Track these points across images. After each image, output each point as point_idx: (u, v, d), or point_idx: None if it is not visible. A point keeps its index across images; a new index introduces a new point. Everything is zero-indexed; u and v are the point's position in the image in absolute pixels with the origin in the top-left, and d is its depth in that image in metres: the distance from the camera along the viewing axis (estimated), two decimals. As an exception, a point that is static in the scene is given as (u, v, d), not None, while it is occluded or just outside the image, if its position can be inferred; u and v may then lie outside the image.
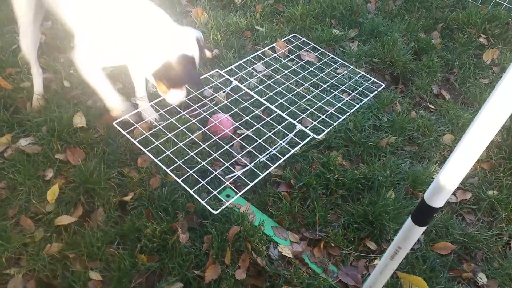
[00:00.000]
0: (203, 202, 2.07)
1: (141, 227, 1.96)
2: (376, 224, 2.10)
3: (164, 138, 2.37)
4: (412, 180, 2.35)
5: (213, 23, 3.13)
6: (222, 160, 2.33)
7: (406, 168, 2.43)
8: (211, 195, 2.14)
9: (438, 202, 1.34)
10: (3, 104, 2.49)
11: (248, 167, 2.31)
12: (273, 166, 2.31)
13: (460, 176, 1.24)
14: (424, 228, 1.53)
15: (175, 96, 2.11)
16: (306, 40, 3.25)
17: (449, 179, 1.26)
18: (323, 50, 3.18)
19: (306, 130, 2.53)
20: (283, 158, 2.35)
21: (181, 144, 2.35)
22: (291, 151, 2.40)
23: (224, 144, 2.40)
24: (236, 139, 2.45)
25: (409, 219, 1.50)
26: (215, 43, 3.02)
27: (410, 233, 1.51)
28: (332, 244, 2.05)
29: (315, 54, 3.15)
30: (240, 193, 2.17)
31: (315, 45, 3.21)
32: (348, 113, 2.69)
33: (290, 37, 3.27)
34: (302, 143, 2.44)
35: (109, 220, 2.02)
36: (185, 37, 2.02)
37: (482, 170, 2.49)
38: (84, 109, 2.48)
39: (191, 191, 2.12)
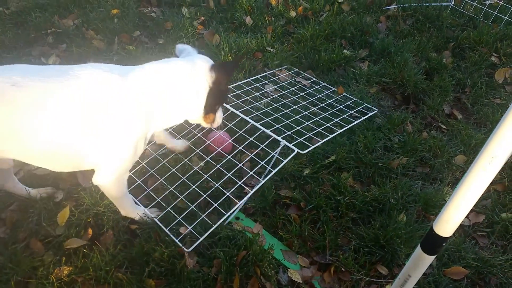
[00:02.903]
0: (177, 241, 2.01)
1: (149, 251, 1.96)
2: (387, 248, 2.07)
3: (161, 163, 2.38)
4: (424, 202, 2.31)
5: (225, 44, 3.16)
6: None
7: (418, 190, 2.40)
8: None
9: (447, 231, 1.32)
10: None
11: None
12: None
13: (469, 206, 1.22)
14: (434, 257, 1.50)
15: (220, 115, 2.08)
16: (299, 71, 3.24)
17: (457, 209, 1.23)
18: (315, 79, 3.17)
19: (290, 145, 2.37)
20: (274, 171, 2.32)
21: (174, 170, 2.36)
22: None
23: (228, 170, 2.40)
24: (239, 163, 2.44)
25: (419, 248, 1.48)
26: (225, 64, 3.05)
27: (420, 262, 1.48)
28: (343, 269, 2.02)
29: (308, 82, 3.14)
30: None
31: (307, 75, 3.20)
32: (334, 134, 2.61)
33: (284, 68, 3.25)
34: (287, 159, 2.30)
35: (118, 243, 2.02)
36: (191, 57, 1.91)
37: (495, 192, 2.44)
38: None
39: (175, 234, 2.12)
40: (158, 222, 2.08)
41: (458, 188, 1.22)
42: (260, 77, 3.08)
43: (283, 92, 3.00)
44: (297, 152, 2.35)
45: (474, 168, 1.14)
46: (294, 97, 2.96)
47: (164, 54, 3.15)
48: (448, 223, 1.29)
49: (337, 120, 2.76)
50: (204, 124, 2.07)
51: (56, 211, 2.11)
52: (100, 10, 3.48)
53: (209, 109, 1.95)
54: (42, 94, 1.56)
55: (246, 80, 3.00)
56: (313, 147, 2.46)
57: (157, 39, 3.31)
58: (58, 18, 3.39)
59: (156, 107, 1.78)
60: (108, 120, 1.66)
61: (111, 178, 1.82)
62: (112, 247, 1.99)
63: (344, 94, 3.02)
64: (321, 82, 3.13)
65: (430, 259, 1.47)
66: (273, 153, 2.34)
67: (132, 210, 2.07)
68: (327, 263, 2.04)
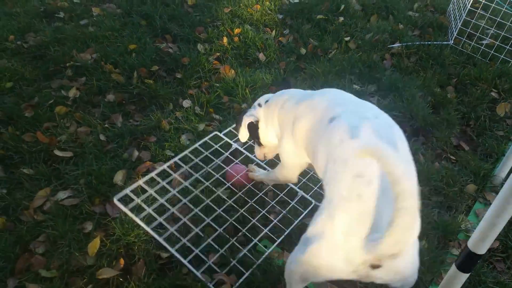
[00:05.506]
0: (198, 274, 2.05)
1: (182, 281, 1.99)
2: (412, 276, 2.13)
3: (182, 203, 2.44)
4: (442, 229, 2.40)
5: (241, 79, 3.28)
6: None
7: (435, 217, 2.49)
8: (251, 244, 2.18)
9: (482, 249, 1.42)
10: (42, 157, 2.59)
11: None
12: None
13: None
14: (468, 274, 1.59)
15: None
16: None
17: (492, 226, 1.34)
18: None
19: (307, 196, 2.52)
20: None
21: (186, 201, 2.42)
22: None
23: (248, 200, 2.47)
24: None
25: (453, 267, 1.57)
26: (243, 97, 3.16)
27: (455, 280, 1.58)
28: (370, 297, 2.07)
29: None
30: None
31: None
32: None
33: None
34: (305, 213, 2.42)
35: (151, 273, 2.05)
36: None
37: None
38: (121, 162, 2.58)
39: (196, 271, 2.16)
40: (187, 264, 2.10)
41: (492, 207, 1.32)
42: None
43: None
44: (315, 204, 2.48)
45: (507, 186, 1.25)
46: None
47: (182, 88, 3.26)
48: (483, 241, 1.40)
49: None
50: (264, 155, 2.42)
51: (86, 242, 2.15)
52: (118, 45, 3.60)
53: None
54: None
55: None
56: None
57: (174, 73, 3.42)
58: (76, 52, 3.49)
59: None
60: None
61: None
62: (145, 277, 2.02)
63: None
64: None
65: (464, 277, 1.57)
66: (292, 203, 2.46)
67: None
68: (356, 290, 2.09)
